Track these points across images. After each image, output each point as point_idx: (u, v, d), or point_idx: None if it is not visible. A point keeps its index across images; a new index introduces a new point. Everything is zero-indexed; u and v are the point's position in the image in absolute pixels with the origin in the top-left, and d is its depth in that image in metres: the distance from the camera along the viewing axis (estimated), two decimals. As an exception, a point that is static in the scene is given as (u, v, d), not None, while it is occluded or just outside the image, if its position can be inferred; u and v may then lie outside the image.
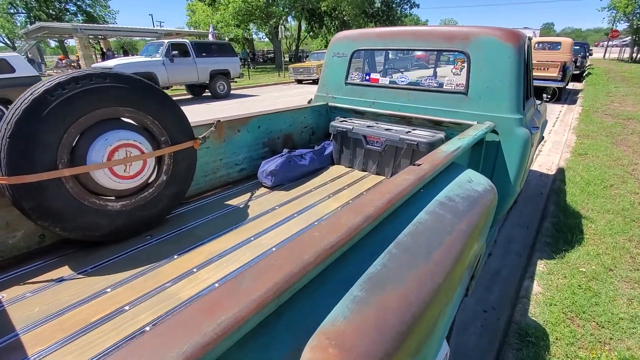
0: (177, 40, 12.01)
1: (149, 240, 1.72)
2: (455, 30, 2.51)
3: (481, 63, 2.41)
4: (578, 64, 14.64)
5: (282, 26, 22.03)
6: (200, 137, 1.94)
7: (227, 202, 2.15)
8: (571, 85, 14.25)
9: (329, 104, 3.20)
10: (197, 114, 9.96)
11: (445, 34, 2.54)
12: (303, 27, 36.91)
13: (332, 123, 2.81)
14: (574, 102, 10.90)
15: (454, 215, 1.26)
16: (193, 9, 30.28)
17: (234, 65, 13.26)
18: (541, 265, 2.68)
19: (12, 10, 35.35)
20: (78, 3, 38.35)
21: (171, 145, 1.77)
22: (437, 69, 3.31)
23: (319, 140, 3.20)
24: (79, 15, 38.33)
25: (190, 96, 13.77)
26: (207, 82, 12.54)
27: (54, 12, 35.92)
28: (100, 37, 27.42)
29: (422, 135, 2.48)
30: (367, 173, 2.74)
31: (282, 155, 2.46)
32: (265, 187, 2.39)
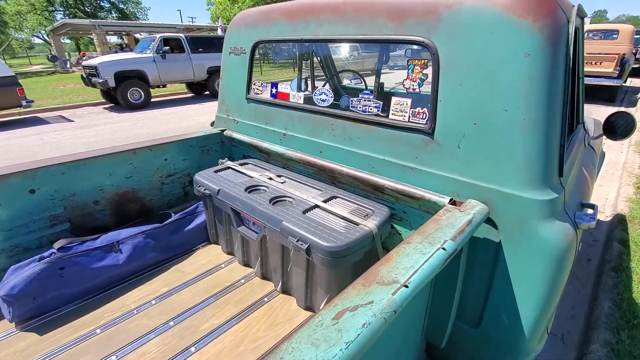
0: (171, 35, 11.07)
1: None
2: (410, 0, 1.17)
3: (462, 68, 1.08)
4: (638, 56, 12.30)
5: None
6: None
7: None
8: (629, 82, 12.00)
9: (225, 132, 1.95)
10: (175, 117, 8.97)
11: (392, 6, 1.21)
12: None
13: (198, 175, 1.56)
14: (632, 103, 8.90)
15: None
16: (213, 2, 29.64)
17: (235, 61, 12.15)
18: None
19: (50, 9, 36.56)
20: (112, 1, 39.27)
21: None
22: (387, 76, 1.95)
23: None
24: (113, 12, 39.25)
25: (190, 95, 12.89)
26: (205, 79, 11.54)
27: (89, 9, 36.88)
28: (124, 33, 27.52)
29: (328, 224, 1.18)
30: (251, 271, 1.48)
31: (45, 257, 1.24)
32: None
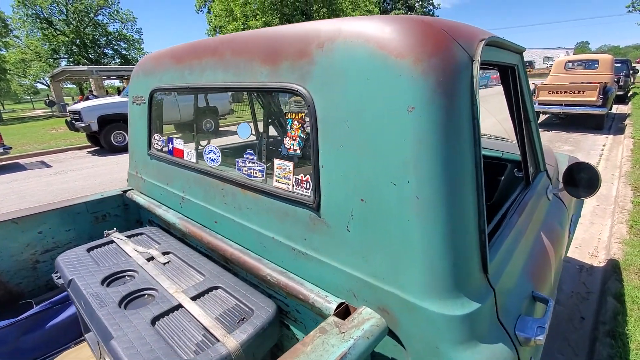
0: (158, 77, 11.19)
1: None
2: (284, 36, 0.92)
3: (341, 125, 0.79)
4: (621, 84, 12.37)
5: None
6: None
7: None
8: (615, 109, 11.98)
9: (128, 193, 1.66)
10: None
11: (266, 48, 0.95)
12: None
13: (60, 257, 1.25)
14: (620, 130, 8.75)
15: None
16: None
17: (222, 101, 12.22)
18: None
19: (55, 56, 37.91)
20: (115, 47, 40.87)
21: None
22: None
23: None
24: (116, 58, 40.71)
25: (178, 135, 12.83)
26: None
27: (93, 56, 38.25)
28: (125, 77, 28.36)
29: (176, 344, 0.86)
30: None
31: None
32: None
